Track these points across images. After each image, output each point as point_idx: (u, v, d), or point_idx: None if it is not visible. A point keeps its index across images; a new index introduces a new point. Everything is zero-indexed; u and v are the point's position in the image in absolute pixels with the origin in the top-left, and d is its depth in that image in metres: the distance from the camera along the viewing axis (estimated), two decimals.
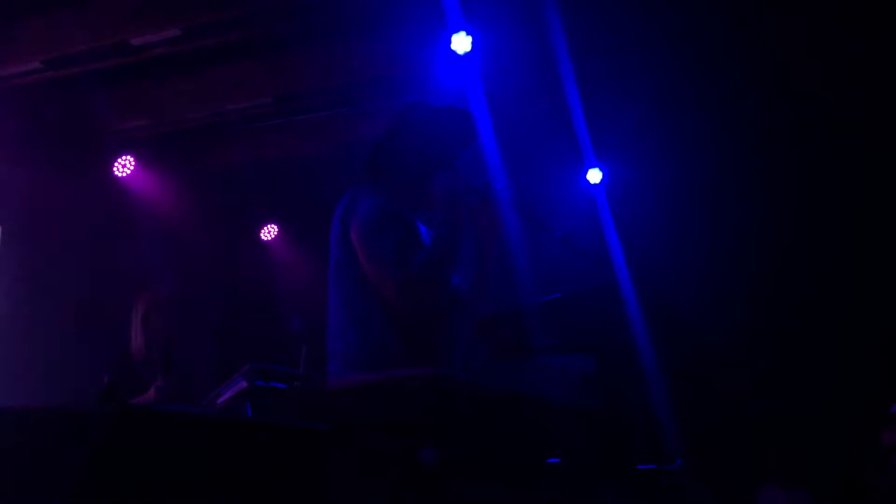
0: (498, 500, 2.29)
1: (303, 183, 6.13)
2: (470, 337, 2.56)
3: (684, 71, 4.87)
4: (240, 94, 5.30)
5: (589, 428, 2.48)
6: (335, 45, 4.96)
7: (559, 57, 4.65)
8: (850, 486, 4.41)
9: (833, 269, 4.98)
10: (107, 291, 5.58)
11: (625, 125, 5.16)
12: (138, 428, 1.91)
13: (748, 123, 5.07)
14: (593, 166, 5.51)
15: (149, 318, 4.15)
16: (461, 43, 4.46)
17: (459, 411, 2.19)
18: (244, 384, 3.93)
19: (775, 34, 4.62)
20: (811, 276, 5.05)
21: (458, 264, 2.45)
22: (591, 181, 5.54)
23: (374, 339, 2.36)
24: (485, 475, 2.28)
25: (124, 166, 5.64)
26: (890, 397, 4.12)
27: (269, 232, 6.51)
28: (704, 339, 4.94)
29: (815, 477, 4.51)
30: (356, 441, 2.27)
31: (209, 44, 4.80)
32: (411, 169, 2.57)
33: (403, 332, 2.35)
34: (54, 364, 5.23)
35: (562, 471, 2.41)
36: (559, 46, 4.58)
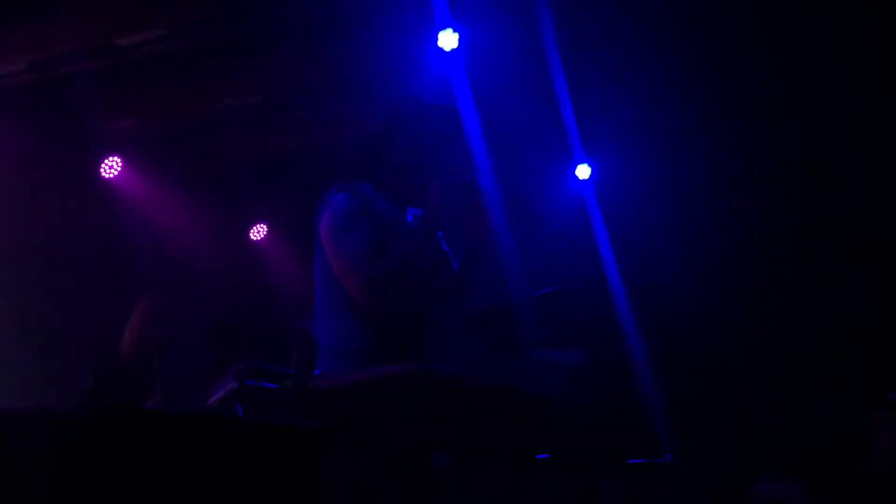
0: (487, 496, 2.29)
1: (292, 182, 6.12)
2: (451, 332, 2.55)
3: (674, 67, 4.88)
4: (228, 93, 5.29)
5: (579, 422, 2.48)
6: (323, 43, 4.95)
7: (548, 53, 4.66)
8: (844, 477, 4.42)
9: (823, 262, 5.01)
10: (96, 293, 5.56)
11: (614, 121, 5.18)
12: (124, 428, 1.89)
13: (738, 119, 5.09)
14: (582, 162, 5.52)
15: (141, 324, 4.14)
16: (448, 39, 4.47)
17: (444, 407, 2.18)
18: (234, 384, 3.91)
19: (771, 30, 4.64)
20: (800, 270, 5.07)
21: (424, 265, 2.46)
22: (580, 177, 5.55)
23: (347, 338, 2.37)
24: (473, 471, 2.28)
25: (111, 167, 5.62)
26: (882, 389, 4.14)
27: (258, 231, 6.50)
28: (693, 333, 4.97)
29: (808, 469, 4.52)
30: (343, 439, 2.26)
31: (196, 43, 4.79)
32: (402, 168, 2.57)
33: (375, 329, 2.35)
34: (44, 366, 5.21)
35: (552, 466, 2.41)
36: (548, 42, 4.59)
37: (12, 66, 4.89)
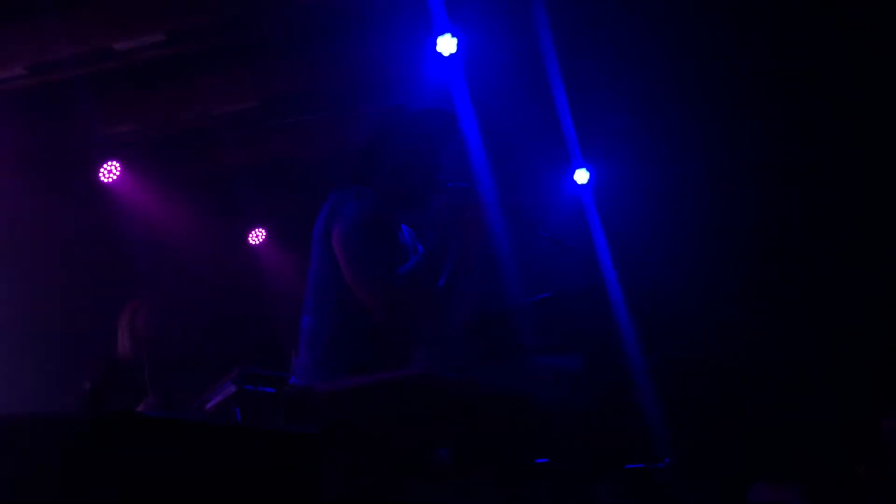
0: (487, 501, 2.29)
1: (290, 186, 6.12)
2: (448, 338, 2.54)
3: (671, 71, 4.88)
4: (226, 98, 5.29)
5: (578, 427, 2.48)
6: (321, 48, 4.95)
7: (546, 57, 4.66)
8: (842, 481, 4.43)
9: (823, 262, 5.01)
10: (93, 298, 5.56)
11: (612, 126, 5.18)
12: (123, 433, 1.89)
13: (737, 122, 5.09)
14: (580, 167, 5.53)
15: (134, 326, 4.13)
16: (446, 45, 4.47)
17: (444, 412, 2.19)
18: (233, 388, 3.92)
19: (765, 32, 4.64)
20: (800, 270, 5.07)
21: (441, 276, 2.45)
22: (579, 182, 5.56)
23: (345, 347, 2.34)
24: (474, 475, 2.28)
25: (110, 172, 5.62)
26: (882, 394, 4.15)
27: (256, 236, 6.49)
28: (692, 335, 4.97)
29: (805, 473, 4.52)
30: (345, 444, 2.26)
31: (194, 48, 4.79)
32: (400, 171, 2.56)
33: (377, 339, 2.34)
34: (41, 373, 5.21)
35: (551, 471, 2.41)
36: (546, 47, 4.60)
37: (11, 70, 4.89)
